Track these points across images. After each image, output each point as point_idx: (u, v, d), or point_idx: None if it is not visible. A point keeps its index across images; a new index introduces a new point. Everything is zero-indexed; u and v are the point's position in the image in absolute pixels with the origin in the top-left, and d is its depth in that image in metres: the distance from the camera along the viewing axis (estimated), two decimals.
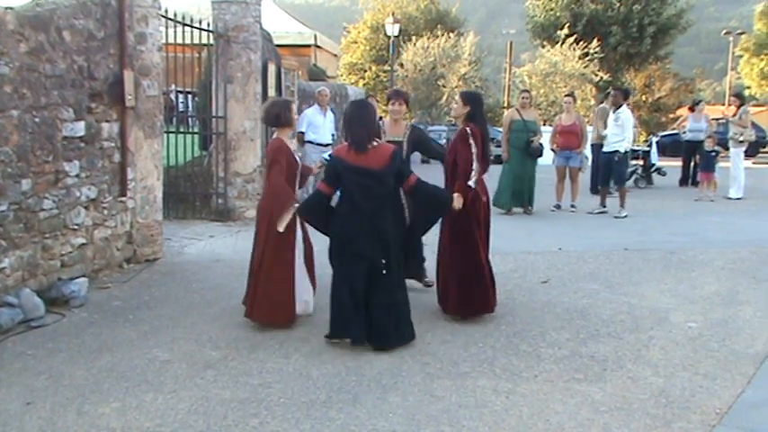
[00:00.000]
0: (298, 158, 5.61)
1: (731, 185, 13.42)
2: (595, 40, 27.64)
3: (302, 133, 11.02)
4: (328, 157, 5.41)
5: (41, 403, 4.05)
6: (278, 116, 5.56)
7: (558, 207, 11.66)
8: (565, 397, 4.22)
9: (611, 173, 11.28)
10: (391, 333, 4.96)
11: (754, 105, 34.80)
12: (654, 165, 15.66)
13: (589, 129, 12.47)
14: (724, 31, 41.09)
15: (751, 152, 17.53)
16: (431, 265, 6.25)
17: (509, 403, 4.12)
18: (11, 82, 5.45)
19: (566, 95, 13.05)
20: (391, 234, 4.97)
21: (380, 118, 11.20)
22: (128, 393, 4.20)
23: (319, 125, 11.00)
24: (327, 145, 10.78)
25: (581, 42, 27.19)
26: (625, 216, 10.81)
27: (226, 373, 4.53)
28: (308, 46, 20.44)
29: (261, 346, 5.02)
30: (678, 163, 16.21)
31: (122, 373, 4.50)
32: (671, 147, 22.06)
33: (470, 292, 5.56)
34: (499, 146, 12.93)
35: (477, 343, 5.12)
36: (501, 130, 12.38)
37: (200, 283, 6.73)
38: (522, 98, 11.64)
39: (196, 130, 11.89)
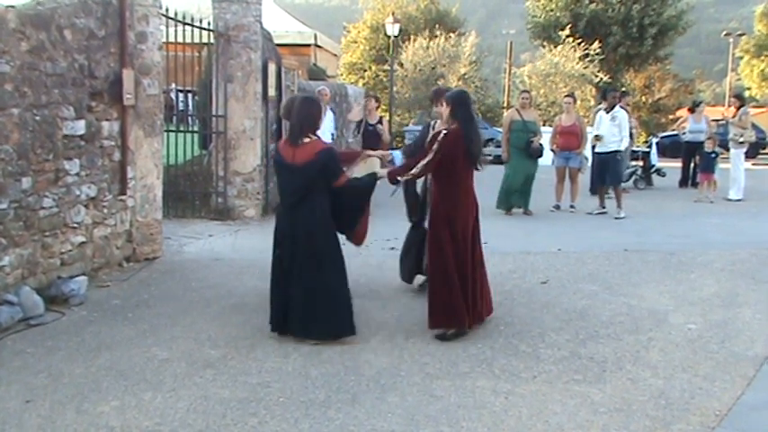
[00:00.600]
0: None
1: (731, 187, 13.42)
2: (596, 41, 27.64)
3: None
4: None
5: (41, 401, 4.05)
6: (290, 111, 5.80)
7: (558, 207, 11.65)
8: (564, 398, 4.22)
9: (606, 173, 11.27)
10: (307, 324, 5.03)
11: (754, 107, 34.78)
12: (653, 166, 15.66)
13: (589, 129, 12.46)
14: (724, 33, 41.12)
15: (751, 153, 17.52)
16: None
17: (508, 404, 4.13)
18: (12, 80, 5.45)
19: (565, 96, 13.05)
20: (316, 228, 5.04)
21: (381, 119, 11.28)
22: (127, 392, 4.20)
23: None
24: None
25: (581, 43, 27.19)
26: (623, 217, 10.81)
27: (225, 372, 4.53)
28: (308, 45, 20.44)
29: (260, 345, 5.02)
30: (678, 164, 16.21)
31: (121, 372, 4.50)
32: (671, 148, 22.07)
33: (436, 304, 5.30)
34: (499, 146, 12.94)
35: (477, 343, 5.12)
36: (501, 130, 12.38)
37: (200, 281, 6.73)
38: (522, 98, 11.64)
39: (196, 128, 11.88)
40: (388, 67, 26.61)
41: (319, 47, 21.19)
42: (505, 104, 28.38)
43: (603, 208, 11.33)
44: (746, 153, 14.05)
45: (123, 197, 7.06)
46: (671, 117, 33.87)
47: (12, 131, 5.47)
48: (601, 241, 9.03)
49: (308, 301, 5.02)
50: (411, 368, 4.64)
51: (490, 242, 5.91)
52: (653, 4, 30.21)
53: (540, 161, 11.37)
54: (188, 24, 9.18)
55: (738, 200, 13.21)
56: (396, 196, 6.12)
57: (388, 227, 7.91)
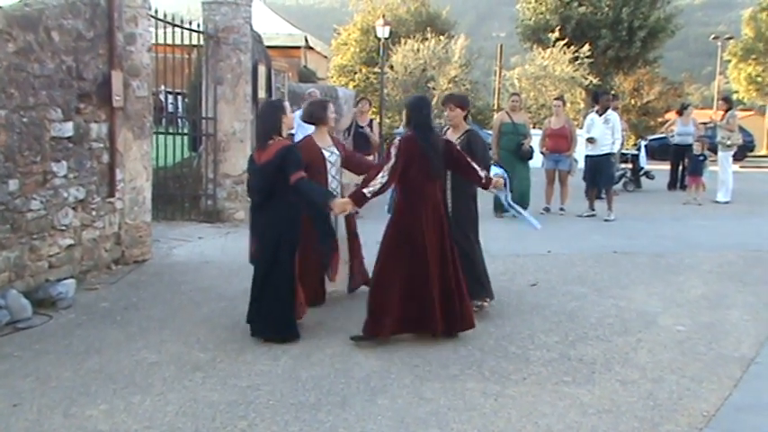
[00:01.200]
0: (327, 155, 6.04)
1: (719, 189, 13.50)
2: (585, 44, 27.73)
3: (292, 135, 11.00)
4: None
5: (28, 405, 4.03)
6: (311, 114, 6.18)
7: (548, 210, 11.69)
8: (553, 399, 4.23)
9: (598, 176, 11.31)
10: (269, 324, 5.15)
11: (742, 110, 34.99)
12: (642, 168, 15.73)
13: (579, 132, 12.52)
14: (712, 36, 41.31)
15: (738, 156, 17.62)
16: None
17: (498, 406, 4.13)
18: None
19: (555, 99, 13.09)
20: (281, 228, 5.14)
21: (371, 121, 11.26)
22: (115, 395, 4.18)
23: (309, 127, 10.96)
24: None
25: (570, 46, 27.28)
26: (613, 219, 10.85)
27: (214, 376, 4.51)
28: (299, 47, 20.42)
29: (249, 348, 5.00)
30: (666, 167, 16.29)
31: (110, 375, 4.48)
32: (659, 150, 22.19)
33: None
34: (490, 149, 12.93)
35: (467, 345, 5.12)
36: (491, 132, 12.40)
37: (189, 284, 6.71)
38: (512, 101, 11.67)
39: (185, 131, 11.85)
40: (379, 70, 26.60)
41: (310, 49, 21.17)
42: (496, 107, 28.41)
43: (593, 210, 11.37)
44: (734, 156, 14.14)
45: (112, 199, 7.03)
46: (660, 120, 34.02)
47: None
48: (590, 243, 9.06)
49: (263, 300, 5.17)
50: (401, 370, 4.64)
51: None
52: (642, 7, 30.35)
53: (530, 164, 11.39)
54: (177, 26, 9.16)
55: (726, 202, 13.29)
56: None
57: (379, 228, 7.90)
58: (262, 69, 10.40)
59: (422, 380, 4.49)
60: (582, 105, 28.57)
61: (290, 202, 5.14)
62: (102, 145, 6.84)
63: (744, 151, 23.04)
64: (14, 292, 5.52)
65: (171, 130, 11.00)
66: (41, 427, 3.78)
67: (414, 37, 28.42)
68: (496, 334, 5.39)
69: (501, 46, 30.60)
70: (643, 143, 17.14)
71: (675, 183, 15.65)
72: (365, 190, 5.09)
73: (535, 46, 30.21)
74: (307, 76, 19.52)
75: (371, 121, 11.22)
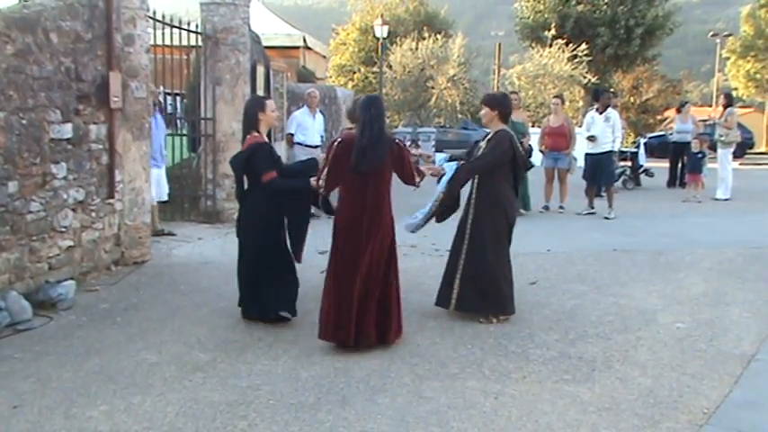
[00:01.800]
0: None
1: (718, 186, 13.51)
2: (583, 42, 27.73)
3: (291, 135, 11.02)
4: None
5: (29, 407, 4.03)
6: (353, 113, 6.38)
7: (547, 208, 11.70)
8: (553, 398, 4.23)
9: (598, 174, 11.32)
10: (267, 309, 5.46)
11: (741, 107, 34.98)
12: (641, 166, 15.74)
13: (578, 131, 12.52)
14: (711, 33, 41.30)
15: (738, 153, 17.64)
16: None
17: (498, 404, 4.13)
18: None
19: (554, 97, 13.09)
20: (245, 219, 5.49)
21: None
22: (116, 396, 4.19)
23: (308, 127, 10.99)
24: (316, 147, 10.79)
25: (569, 44, 27.28)
26: (614, 217, 10.86)
27: (214, 376, 4.51)
28: (297, 48, 20.43)
29: (249, 348, 5.01)
30: (666, 164, 16.30)
31: (110, 376, 4.48)
32: (658, 148, 22.20)
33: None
34: None
35: (466, 344, 5.12)
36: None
37: (189, 285, 6.71)
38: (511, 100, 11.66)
39: (184, 131, 11.85)
40: (377, 69, 26.63)
41: (308, 49, 21.18)
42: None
43: (592, 208, 11.37)
44: (734, 153, 14.15)
45: (111, 201, 7.04)
46: (659, 118, 34.01)
47: None
48: (590, 241, 9.07)
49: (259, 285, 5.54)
50: (401, 369, 4.64)
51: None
52: (639, 5, 30.34)
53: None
54: (176, 27, 9.16)
55: (726, 199, 13.29)
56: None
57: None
58: (260, 70, 10.40)
59: (422, 379, 4.49)
60: (581, 104, 28.55)
61: (264, 197, 5.31)
62: (101, 146, 6.84)
63: (743, 148, 23.04)
64: (14, 293, 5.52)
65: (170, 131, 10.98)
66: (42, 428, 3.78)
67: (412, 36, 28.43)
68: (496, 332, 5.40)
69: (499, 45, 30.59)
70: (642, 141, 17.14)
71: (675, 180, 15.66)
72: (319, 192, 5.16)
73: (534, 44, 30.20)
74: (305, 76, 19.52)
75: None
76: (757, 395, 4.36)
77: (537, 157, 12.11)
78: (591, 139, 11.31)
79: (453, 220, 5.88)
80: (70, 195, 6.39)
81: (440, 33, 29.36)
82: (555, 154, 11.76)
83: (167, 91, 11.53)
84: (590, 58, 27.52)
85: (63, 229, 6.31)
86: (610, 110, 11.32)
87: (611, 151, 11.22)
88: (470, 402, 4.15)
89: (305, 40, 20.68)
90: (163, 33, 8.94)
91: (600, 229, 10.00)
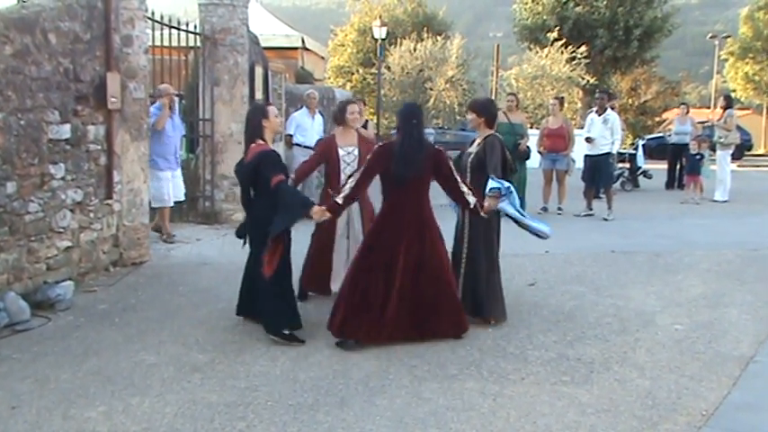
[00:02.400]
0: (343, 154, 6.22)
1: (717, 188, 13.52)
2: (582, 44, 27.75)
3: (290, 136, 11.02)
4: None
5: (27, 407, 4.03)
6: (334, 115, 6.37)
7: (545, 210, 11.70)
8: (552, 399, 4.23)
9: (597, 175, 11.33)
10: (264, 316, 5.28)
11: (739, 109, 35.00)
12: (640, 168, 15.75)
13: (577, 132, 12.52)
14: (709, 35, 41.37)
15: (736, 155, 17.65)
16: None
17: (496, 405, 4.13)
18: None
19: (552, 99, 13.09)
20: (253, 228, 5.39)
21: (367, 122, 11.26)
22: (114, 397, 4.18)
23: (307, 128, 11.00)
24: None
25: (568, 46, 27.30)
26: (612, 218, 10.86)
27: (212, 377, 4.51)
28: (296, 49, 20.39)
29: (247, 349, 5.00)
30: (664, 166, 16.31)
31: (108, 377, 4.48)
32: (657, 150, 22.23)
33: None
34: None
35: (465, 345, 5.12)
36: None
37: (187, 286, 6.70)
38: (508, 101, 11.67)
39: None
40: (376, 71, 26.62)
41: (306, 50, 21.14)
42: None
43: (591, 210, 11.38)
44: (732, 155, 14.16)
45: (110, 201, 7.03)
46: (657, 119, 34.05)
47: None
48: (588, 243, 9.07)
49: (260, 301, 5.35)
50: (399, 371, 4.64)
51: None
52: (638, 6, 30.37)
53: (528, 163, 11.40)
54: (174, 28, 9.15)
55: (724, 201, 13.30)
56: None
57: None
58: (259, 71, 10.39)
59: (420, 380, 4.49)
60: (579, 105, 28.56)
61: (267, 201, 5.22)
62: (99, 147, 6.83)
63: (741, 150, 23.04)
64: (13, 294, 5.51)
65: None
66: (40, 428, 3.78)
67: (411, 37, 28.43)
68: (494, 334, 5.40)
69: (498, 46, 30.63)
70: (641, 142, 17.15)
71: (673, 182, 15.67)
72: (337, 198, 5.14)
73: (532, 46, 30.22)
74: (304, 77, 19.50)
75: (367, 121, 11.21)
76: (756, 397, 4.37)
77: (535, 159, 12.14)
78: (588, 140, 11.32)
79: (450, 221, 5.87)
80: (68, 196, 6.39)
81: (438, 35, 29.38)
82: (553, 155, 11.76)
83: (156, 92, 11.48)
84: (588, 60, 27.54)
85: (61, 230, 6.31)
86: (609, 111, 11.32)
87: (608, 153, 11.23)
88: (469, 404, 4.15)
89: (303, 42, 20.65)
90: (161, 34, 8.93)
91: (598, 231, 10.00)
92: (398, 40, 28.59)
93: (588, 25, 30.26)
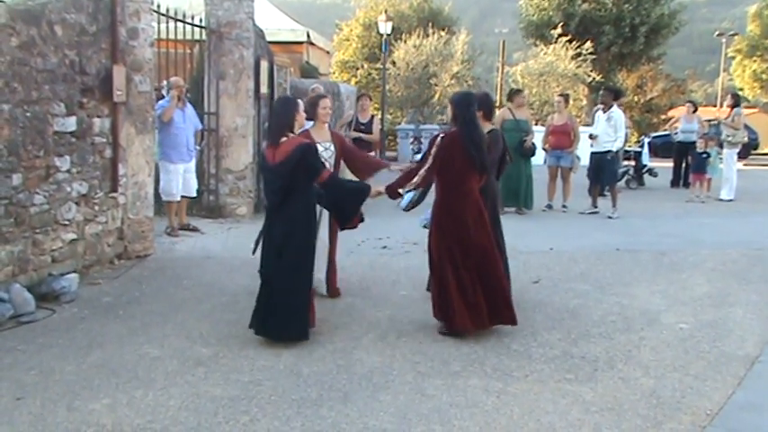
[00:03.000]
0: (321, 149, 5.74)
1: (723, 187, 13.47)
2: (588, 41, 27.66)
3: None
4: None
5: (32, 399, 4.03)
6: (306, 110, 5.87)
7: (550, 207, 11.67)
8: (556, 397, 4.22)
9: (601, 173, 11.30)
10: (282, 324, 4.99)
11: (746, 107, 34.89)
12: (645, 166, 15.70)
13: (583, 129, 12.49)
14: (716, 33, 41.22)
15: (743, 154, 17.59)
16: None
17: (500, 403, 4.13)
18: (2, 76, 5.43)
19: (557, 95, 13.06)
20: (295, 228, 5.01)
21: (373, 117, 11.24)
22: (118, 389, 4.19)
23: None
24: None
25: (574, 42, 27.22)
26: (617, 216, 10.84)
27: (216, 370, 4.51)
28: (301, 43, 20.37)
29: (251, 343, 5.00)
30: (669, 164, 16.27)
31: (113, 370, 4.49)
32: (662, 148, 22.15)
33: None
34: None
35: (468, 342, 5.11)
36: None
37: (191, 279, 6.71)
38: (520, 98, 11.69)
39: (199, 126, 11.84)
40: (381, 66, 26.56)
41: (312, 44, 21.12)
42: (498, 104, 28.40)
43: (596, 207, 11.35)
44: (738, 154, 14.10)
45: (115, 194, 7.04)
46: (663, 117, 33.94)
47: (2, 128, 5.45)
48: (593, 241, 9.05)
49: (279, 302, 4.99)
50: (403, 367, 4.64)
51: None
52: (645, 3, 30.26)
53: (533, 160, 11.39)
54: (180, 21, 9.14)
55: (730, 200, 13.26)
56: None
57: (381, 225, 7.90)
58: (264, 65, 10.38)
59: (424, 376, 4.49)
60: (584, 102, 28.48)
61: (307, 201, 5.07)
62: (104, 140, 6.84)
63: (748, 149, 22.97)
64: (18, 285, 5.53)
65: None
66: (45, 420, 3.79)
67: (416, 33, 28.36)
68: (498, 331, 5.38)
69: (503, 42, 30.50)
70: (646, 140, 17.10)
71: (678, 180, 15.63)
72: (402, 190, 5.31)
73: (538, 42, 30.13)
74: (309, 71, 19.49)
75: (373, 117, 11.19)
76: (760, 397, 4.35)
77: (540, 156, 12.12)
78: (591, 137, 11.31)
79: None
80: (74, 188, 6.39)
81: (444, 30, 29.28)
82: (558, 152, 11.73)
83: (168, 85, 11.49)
84: (594, 57, 27.45)
85: (66, 222, 6.32)
86: (613, 109, 11.27)
87: (609, 151, 11.16)
88: (472, 400, 4.15)
89: (308, 36, 20.63)
90: (167, 27, 8.92)
91: (603, 229, 9.98)
92: (404, 35, 28.52)
93: (594, 22, 30.15)
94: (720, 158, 13.80)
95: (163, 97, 8.77)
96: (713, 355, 4.99)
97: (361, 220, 5.69)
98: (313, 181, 5.06)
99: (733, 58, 39.83)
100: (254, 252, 5.24)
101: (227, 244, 8.33)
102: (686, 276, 7.20)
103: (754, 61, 38.20)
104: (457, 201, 5.28)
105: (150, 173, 7.56)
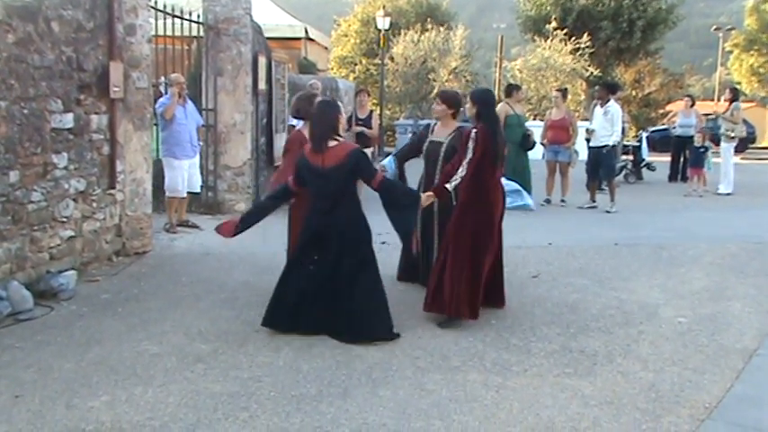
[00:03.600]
0: None
1: (721, 181, 13.48)
2: (585, 35, 27.64)
3: (293, 126, 10.99)
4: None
5: (30, 396, 4.03)
6: (298, 110, 5.89)
7: (548, 202, 11.68)
8: (555, 391, 4.23)
9: (600, 167, 11.31)
10: (369, 325, 4.98)
11: (744, 101, 34.90)
12: (643, 160, 15.71)
13: (581, 124, 12.50)
14: (714, 27, 41.16)
15: (740, 148, 17.60)
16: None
17: (499, 397, 4.13)
18: None
19: (555, 90, 13.06)
20: (347, 233, 5.02)
21: (371, 113, 11.22)
22: (117, 387, 4.18)
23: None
24: None
25: (572, 37, 27.20)
26: (615, 211, 10.85)
27: (216, 367, 4.51)
28: (299, 39, 20.33)
29: (251, 339, 5.00)
30: (668, 158, 16.27)
31: (111, 367, 4.48)
32: (660, 142, 22.16)
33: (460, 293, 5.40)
34: None
35: (468, 337, 5.12)
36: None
37: (190, 276, 6.70)
38: (518, 92, 11.72)
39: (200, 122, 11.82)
40: (379, 61, 26.54)
41: (310, 40, 21.09)
42: (497, 98, 28.34)
43: (594, 202, 11.36)
44: (736, 148, 14.11)
45: (112, 191, 7.02)
46: (660, 111, 33.95)
47: None
48: (591, 235, 9.05)
49: (355, 304, 4.98)
50: (402, 362, 4.64)
51: None
52: None
53: (531, 155, 11.41)
54: (177, 17, 9.13)
55: (728, 194, 13.27)
56: None
57: (380, 221, 7.88)
58: (262, 61, 10.36)
59: (423, 371, 4.49)
60: (583, 97, 28.47)
61: (358, 202, 5.10)
62: (102, 136, 6.82)
63: (745, 143, 22.98)
64: (16, 283, 5.52)
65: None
66: (43, 418, 3.78)
67: (414, 28, 28.33)
68: (498, 326, 5.39)
69: (501, 37, 30.47)
70: (644, 135, 17.11)
71: (676, 174, 15.64)
72: (447, 185, 5.39)
73: (536, 37, 30.11)
74: (307, 67, 19.46)
75: (371, 112, 11.19)
76: (759, 390, 4.36)
77: (538, 150, 12.12)
78: (588, 132, 11.33)
79: None
80: (71, 185, 6.38)
81: (442, 25, 29.26)
82: (556, 147, 11.74)
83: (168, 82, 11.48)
84: (592, 52, 27.44)
85: (64, 219, 6.31)
86: (610, 103, 11.28)
87: (606, 145, 11.17)
88: (472, 395, 4.15)
89: (306, 32, 20.58)
90: (164, 23, 8.91)
91: (601, 223, 9.98)
92: (402, 30, 28.50)
93: (592, 17, 30.14)
94: (715, 153, 13.82)
95: (161, 94, 8.76)
96: (712, 348, 5.00)
97: None
98: (368, 184, 5.07)
99: (730, 52, 39.82)
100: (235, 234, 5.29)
101: (226, 240, 8.29)
102: (684, 270, 7.20)
103: (752, 55, 38.20)
104: (487, 191, 5.46)
105: (148, 169, 7.55)
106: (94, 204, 6.76)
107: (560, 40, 27.07)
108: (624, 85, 30.73)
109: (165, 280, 6.57)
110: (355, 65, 32.04)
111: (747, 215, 10.99)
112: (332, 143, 4.99)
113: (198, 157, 9.11)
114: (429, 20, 29.52)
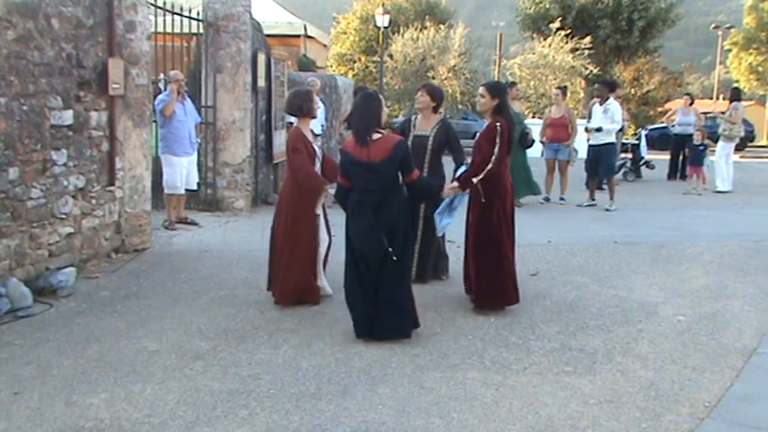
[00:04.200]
0: (316, 148, 5.75)
1: (717, 177, 13.49)
2: (585, 34, 27.62)
3: (291, 124, 10.97)
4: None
5: (29, 393, 4.03)
6: (300, 107, 5.78)
7: (548, 200, 11.68)
8: (554, 389, 4.23)
9: (599, 166, 11.31)
10: (389, 324, 4.94)
11: (743, 100, 34.92)
12: (643, 158, 15.71)
13: (580, 122, 12.49)
14: (713, 26, 41.19)
15: (739, 146, 17.60)
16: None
17: (499, 395, 4.13)
18: None
19: (555, 88, 13.06)
20: (398, 225, 4.93)
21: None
22: (116, 384, 4.18)
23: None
24: (317, 135, 10.72)
25: (571, 36, 27.17)
26: (614, 209, 10.85)
27: (215, 364, 4.51)
28: (298, 36, 20.33)
29: (250, 337, 5.00)
30: (667, 156, 16.27)
31: (111, 364, 4.48)
32: (659, 140, 22.16)
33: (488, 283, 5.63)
34: None
35: (467, 335, 5.12)
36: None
37: (189, 273, 6.70)
38: (515, 89, 11.70)
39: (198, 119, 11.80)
40: (378, 59, 26.51)
41: (309, 38, 21.08)
42: None
43: (593, 200, 11.36)
44: (734, 146, 14.12)
45: (112, 188, 7.02)
46: (660, 110, 33.94)
47: None
48: (590, 233, 9.06)
49: (395, 301, 4.95)
50: (402, 360, 4.64)
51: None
52: None
53: (530, 153, 11.40)
54: (177, 14, 9.11)
55: (727, 191, 13.27)
56: None
57: None
58: (261, 58, 10.35)
59: (422, 369, 4.49)
60: (582, 95, 28.45)
61: (404, 197, 5.03)
62: (101, 133, 6.81)
63: (744, 141, 22.98)
64: (15, 280, 5.51)
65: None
66: (42, 415, 3.78)
67: (413, 26, 28.30)
68: (497, 324, 5.39)
69: (501, 35, 30.49)
70: (643, 133, 17.10)
71: (675, 173, 15.64)
72: (474, 178, 5.49)
73: (535, 35, 30.08)
74: (306, 64, 19.45)
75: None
76: (758, 389, 4.36)
77: (537, 149, 12.12)
78: (586, 130, 11.32)
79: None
80: (71, 182, 6.37)
81: (441, 23, 29.22)
82: (555, 145, 11.73)
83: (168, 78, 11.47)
84: (591, 50, 27.41)
85: (63, 216, 6.30)
86: (610, 101, 11.27)
87: (607, 143, 11.17)
88: (471, 393, 4.15)
89: (306, 29, 20.58)
90: (164, 20, 8.89)
91: (601, 221, 9.98)
92: (401, 28, 28.45)
93: (591, 15, 30.11)
94: (712, 151, 13.84)
95: (160, 91, 8.75)
96: (711, 347, 5.00)
97: None
98: (404, 176, 5.01)
99: (729, 50, 39.77)
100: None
101: (225, 237, 8.32)
102: (684, 268, 7.20)
103: (750, 54, 38.14)
104: (507, 178, 5.70)
105: (148, 166, 7.54)
106: (94, 201, 6.75)
107: (560, 39, 27.05)
108: (623, 84, 30.72)
109: (164, 277, 6.56)
110: (354, 62, 32.00)
111: (746, 213, 10.99)
112: (375, 135, 4.92)
113: (196, 154, 9.10)
114: (428, 17, 29.47)
